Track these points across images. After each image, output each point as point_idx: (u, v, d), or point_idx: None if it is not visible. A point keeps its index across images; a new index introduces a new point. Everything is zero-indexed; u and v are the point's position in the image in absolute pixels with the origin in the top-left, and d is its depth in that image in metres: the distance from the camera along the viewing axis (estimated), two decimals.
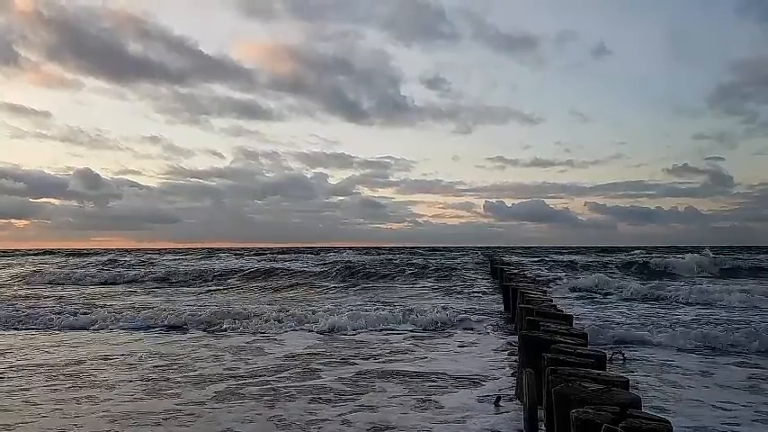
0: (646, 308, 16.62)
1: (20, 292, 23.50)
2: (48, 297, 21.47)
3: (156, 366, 9.31)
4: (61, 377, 8.50)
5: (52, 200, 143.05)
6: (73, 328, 13.41)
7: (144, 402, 7.18)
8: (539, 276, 23.96)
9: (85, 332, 12.98)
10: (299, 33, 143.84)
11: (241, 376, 8.58)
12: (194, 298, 20.96)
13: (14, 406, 7.05)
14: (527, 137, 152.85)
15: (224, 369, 9.09)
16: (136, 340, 11.95)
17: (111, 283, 28.11)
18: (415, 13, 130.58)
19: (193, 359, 9.92)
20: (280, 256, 56.88)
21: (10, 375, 8.65)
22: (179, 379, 8.39)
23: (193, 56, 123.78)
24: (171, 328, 13.28)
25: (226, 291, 24.25)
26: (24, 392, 7.66)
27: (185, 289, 25.22)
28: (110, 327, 13.44)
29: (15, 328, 13.56)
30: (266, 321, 13.23)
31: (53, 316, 14.58)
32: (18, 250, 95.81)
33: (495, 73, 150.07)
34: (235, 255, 58.82)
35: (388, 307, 15.97)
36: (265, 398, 7.32)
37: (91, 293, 23.49)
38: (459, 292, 20.97)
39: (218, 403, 7.12)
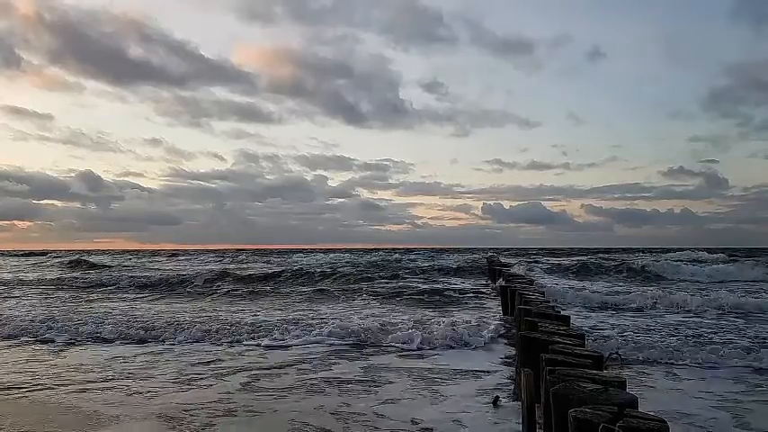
0: (650, 313, 16.65)
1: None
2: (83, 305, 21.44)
3: (197, 364, 9.69)
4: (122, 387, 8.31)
5: (55, 202, 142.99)
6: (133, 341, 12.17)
7: (201, 393, 7.78)
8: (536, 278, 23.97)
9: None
10: (298, 37, 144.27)
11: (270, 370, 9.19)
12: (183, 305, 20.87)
13: (89, 400, 7.47)
14: (524, 140, 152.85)
15: (251, 366, 9.56)
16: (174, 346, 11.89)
17: (97, 286, 28.05)
18: (413, 18, 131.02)
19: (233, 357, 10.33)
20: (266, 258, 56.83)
21: (53, 382, 8.65)
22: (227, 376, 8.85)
23: (194, 59, 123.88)
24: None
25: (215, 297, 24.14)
26: (92, 392, 7.88)
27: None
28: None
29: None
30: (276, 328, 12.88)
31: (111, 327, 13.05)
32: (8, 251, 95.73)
33: (492, 77, 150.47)
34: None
35: (389, 314, 15.95)
36: (301, 390, 7.91)
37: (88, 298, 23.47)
38: (458, 293, 20.97)
39: (263, 396, 7.66)
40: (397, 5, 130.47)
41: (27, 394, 7.82)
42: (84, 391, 7.96)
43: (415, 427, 6.29)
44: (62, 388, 8.13)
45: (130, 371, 9.26)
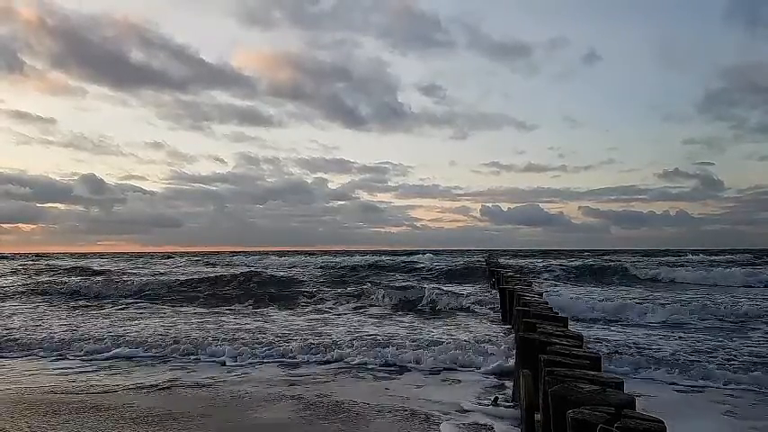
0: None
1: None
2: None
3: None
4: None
5: (58, 205, 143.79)
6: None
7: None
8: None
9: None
10: (298, 41, 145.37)
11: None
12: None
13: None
14: (521, 142, 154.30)
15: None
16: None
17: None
18: (411, 22, 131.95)
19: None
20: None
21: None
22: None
23: (195, 64, 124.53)
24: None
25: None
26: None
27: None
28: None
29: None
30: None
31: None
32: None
33: (490, 80, 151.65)
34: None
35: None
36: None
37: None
38: (456, 296, 20.95)
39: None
40: (396, 10, 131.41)
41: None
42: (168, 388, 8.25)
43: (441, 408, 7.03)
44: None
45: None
